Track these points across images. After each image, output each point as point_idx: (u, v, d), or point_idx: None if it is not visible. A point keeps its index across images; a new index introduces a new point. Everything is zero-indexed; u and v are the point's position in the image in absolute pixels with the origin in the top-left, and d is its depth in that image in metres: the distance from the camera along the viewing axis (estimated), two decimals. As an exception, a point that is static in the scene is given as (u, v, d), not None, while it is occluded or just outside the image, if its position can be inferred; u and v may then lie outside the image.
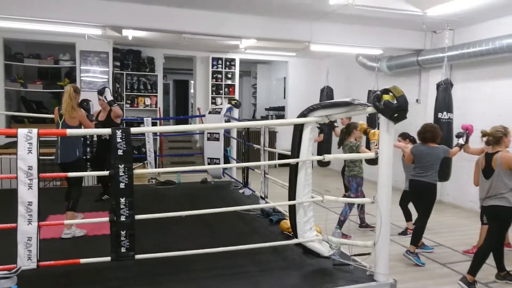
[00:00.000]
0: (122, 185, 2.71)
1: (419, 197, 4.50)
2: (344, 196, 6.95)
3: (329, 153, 8.14)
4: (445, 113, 6.26)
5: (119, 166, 2.68)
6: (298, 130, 3.21)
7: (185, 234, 4.09)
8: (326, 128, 7.91)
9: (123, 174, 2.70)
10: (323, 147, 8.41)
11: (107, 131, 2.81)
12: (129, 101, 9.81)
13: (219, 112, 6.54)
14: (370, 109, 3.09)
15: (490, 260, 3.92)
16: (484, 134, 3.82)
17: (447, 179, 6.30)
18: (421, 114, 7.57)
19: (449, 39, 6.60)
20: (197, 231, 4.25)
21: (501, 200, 3.60)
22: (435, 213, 6.40)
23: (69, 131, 3.24)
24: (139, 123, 8.00)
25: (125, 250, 2.77)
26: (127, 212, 2.74)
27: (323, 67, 10.21)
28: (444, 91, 6.30)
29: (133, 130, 2.79)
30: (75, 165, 3.97)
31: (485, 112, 6.51)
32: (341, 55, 9.75)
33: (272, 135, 10.77)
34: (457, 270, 4.16)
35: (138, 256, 2.88)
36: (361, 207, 5.53)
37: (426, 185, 4.38)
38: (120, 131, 2.69)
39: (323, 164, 8.68)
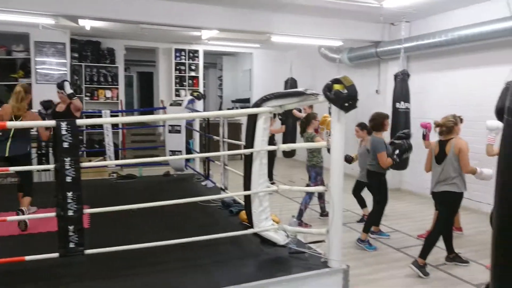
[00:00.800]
0: (68, 179, 2.63)
1: (372, 186, 4.59)
2: (307, 185, 7.07)
3: (294, 143, 8.25)
4: (402, 103, 6.45)
5: (65, 159, 2.60)
6: (252, 120, 3.21)
7: (144, 228, 4.03)
8: (289, 119, 7.99)
9: (70, 167, 2.62)
10: (288, 138, 8.50)
11: (51, 123, 2.72)
12: (88, 94, 9.52)
13: (180, 104, 6.46)
14: (322, 98, 3.13)
15: (440, 243, 4.09)
16: (437, 125, 3.95)
17: (405, 167, 6.50)
18: (380, 105, 7.73)
19: (406, 31, 6.77)
20: (157, 224, 4.20)
21: (451, 186, 3.75)
22: (394, 200, 6.61)
23: (9, 124, 3.12)
24: (100, 116, 7.78)
25: (74, 246, 2.70)
26: (75, 206, 2.67)
27: (287, 59, 10.28)
28: (401, 81, 6.48)
29: (80, 122, 2.71)
30: (26, 158, 3.87)
31: (441, 102, 6.73)
32: (304, 47, 9.82)
33: (237, 126, 10.76)
34: (410, 254, 4.31)
35: (88, 251, 2.81)
36: (320, 196, 5.63)
37: (372, 175, 4.49)
38: (65, 123, 2.60)
39: (288, 154, 8.76)
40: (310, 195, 5.31)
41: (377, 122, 4.42)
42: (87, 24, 7.16)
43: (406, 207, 6.32)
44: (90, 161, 7.62)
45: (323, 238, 3.30)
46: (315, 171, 5.31)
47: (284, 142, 8.52)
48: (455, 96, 6.48)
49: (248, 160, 3.25)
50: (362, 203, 5.61)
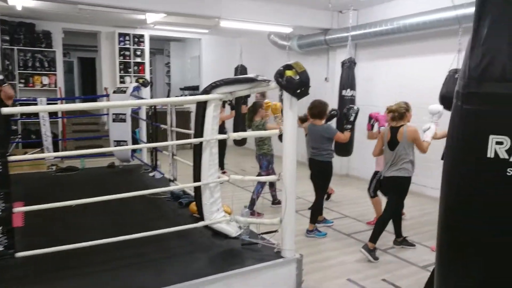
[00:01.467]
0: (-6, 175, 2.34)
1: (314, 175, 4.59)
2: (259, 173, 7.03)
3: (245, 131, 8.15)
4: (348, 90, 6.53)
5: (-11, 152, 2.31)
6: (201, 108, 3.05)
7: (87, 225, 3.76)
8: (240, 106, 7.87)
9: (-5, 162, 2.33)
10: (239, 126, 8.37)
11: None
12: (23, 81, 8.79)
13: (124, 91, 6.11)
14: (273, 85, 3.04)
15: (389, 227, 4.20)
16: (389, 110, 4.01)
17: (349, 154, 6.63)
18: (329, 92, 7.84)
19: (353, 19, 6.85)
20: (101, 220, 3.94)
21: (401, 171, 3.83)
22: (342, 186, 6.77)
23: None
24: (35, 104, 7.20)
25: (2, 249, 2.43)
26: (3, 205, 2.39)
27: (237, 46, 10.08)
28: (348, 69, 6.55)
29: (7, 110, 2.41)
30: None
31: (386, 90, 6.92)
32: (254, 34, 9.69)
33: (186, 115, 10.48)
34: (360, 239, 4.39)
35: (21, 254, 2.55)
36: (272, 185, 5.60)
37: (318, 164, 4.48)
38: (-12, 112, 2.30)
39: (239, 143, 8.66)
40: (262, 184, 5.25)
41: (320, 110, 4.39)
42: (17, 3, 6.54)
43: (354, 193, 6.46)
44: (25, 153, 7.07)
45: (276, 228, 3.25)
46: (267, 159, 5.25)
47: (236, 130, 8.39)
48: (400, 83, 6.68)
49: (197, 150, 3.10)
50: None
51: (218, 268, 2.97)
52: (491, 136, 1.56)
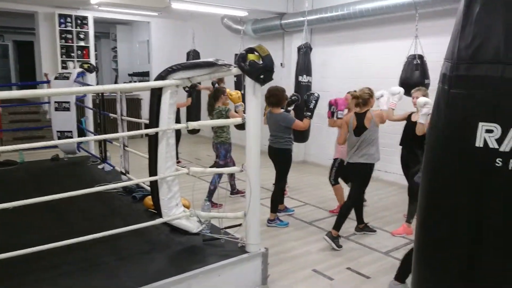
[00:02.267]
0: None
1: (274, 163, 4.46)
2: (215, 162, 6.81)
3: (199, 119, 7.85)
4: (304, 76, 6.44)
5: None
6: (156, 95, 2.78)
7: (27, 225, 3.40)
8: (194, 93, 7.55)
9: None
10: (192, 113, 8.07)
11: None
12: None
13: (68, 78, 5.63)
14: (235, 70, 2.84)
15: (350, 214, 4.17)
16: (353, 96, 3.92)
17: (306, 140, 6.58)
18: (285, 78, 7.71)
19: (309, 3, 6.73)
20: (44, 220, 3.59)
21: (367, 157, 3.79)
22: (300, 173, 6.72)
23: None
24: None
25: None
26: None
27: (188, 30, 9.66)
28: (304, 55, 6.45)
29: None
30: None
31: (342, 75, 6.91)
32: (207, 17, 9.33)
33: (136, 102, 9.99)
34: (322, 227, 4.34)
35: None
36: (231, 174, 5.40)
37: (276, 152, 4.35)
38: None
39: (192, 131, 8.35)
40: (220, 174, 5.05)
41: (278, 97, 4.23)
42: None
43: (312, 180, 6.43)
44: (-46, 146, 6.37)
45: (240, 221, 3.09)
46: (225, 148, 5.05)
47: (189, 118, 8.07)
48: (356, 69, 6.68)
49: (153, 141, 2.84)
50: None
51: (178, 268, 2.77)
52: (480, 124, 1.46)
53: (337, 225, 3.79)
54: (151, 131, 2.81)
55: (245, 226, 2.99)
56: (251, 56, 2.74)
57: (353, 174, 3.99)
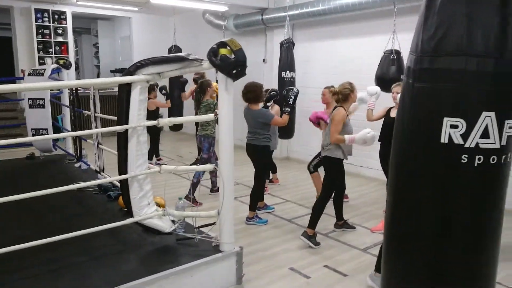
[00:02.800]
0: None
1: (252, 160, 4.39)
2: (197, 159, 6.72)
3: (182, 115, 7.75)
4: (288, 72, 6.39)
5: None
6: (125, 91, 2.70)
7: (1, 225, 3.30)
8: (175, 91, 7.44)
9: None
10: (174, 111, 7.95)
11: None
12: None
13: (42, 74, 5.46)
14: (207, 65, 2.76)
15: (329, 210, 4.14)
16: (334, 93, 3.87)
17: (291, 136, 6.55)
18: (267, 73, 7.66)
19: (291, -2, 6.68)
20: (17, 220, 3.48)
21: (329, 151, 3.77)
22: (283, 169, 6.66)
23: None
24: None
25: None
26: None
27: (170, 25, 9.52)
28: (287, 50, 6.40)
29: None
30: None
31: (324, 71, 6.87)
32: (188, 12, 9.22)
33: (113, 99, 9.79)
34: (301, 224, 4.30)
35: None
36: (211, 170, 5.31)
37: (254, 149, 4.28)
38: None
39: (175, 128, 8.25)
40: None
41: (256, 94, 4.15)
42: None
43: (295, 176, 6.39)
44: None
45: (213, 220, 3.02)
46: (208, 141, 4.98)
47: (171, 114, 7.96)
48: (338, 64, 6.65)
49: (122, 139, 2.75)
50: (273, 168, 5.63)
51: (150, 268, 2.69)
52: (445, 119, 1.41)
53: (312, 223, 3.75)
54: (120, 128, 2.72)
55: (219, 224, 2.93)
56: (222, 51, 2.67)
57: (324, 168, 3.97)
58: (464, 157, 1.41)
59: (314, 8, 6.26)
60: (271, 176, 5.89)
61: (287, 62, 6.43)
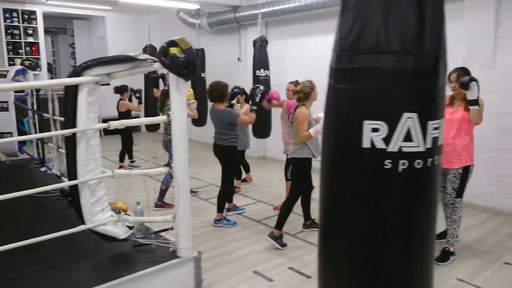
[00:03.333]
0: None
1: (219, 161, 4.30)
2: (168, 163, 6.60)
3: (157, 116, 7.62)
4: (262, 70, 6.31)
5: None
6: (72, 93, 2.58)
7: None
8: (150, 91, 7.32)
9: None
10: (150, 111, 7.83)
11: None
12: None
13: (5, 76, 5.29)
14: (157, 65, 2.67)
15: (298, 209, 4.08)
16: (294, 92, 3.81)
17: (267, 136, 6.47)
18: (242, 72, 7.58)
19: (263, -4, 6.60)
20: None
21: (293, 153, 3.71)
22: (258, 169, 6.60)
23: None
24: None
25: None
26: None
27: (145, 25, 9.37)
28: (260, 48, 6.31)
29: None
30: None
31: (297, 69, 6.81)
32: (163, 11, 9.08)
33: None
34: (270, 225, 4.22)
35: None
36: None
37: (221, 149, 4.20)
38: None
39: (151, 128, 8.12)
40: (169, 174, 4.89)
41: (220, 93, 4.07)
42: None
43: (269, 176, 6.33)
44: None
45: (169, 225, 2.93)
46: None
47: (147, 114, 7.82)
48: (312, 63, 6.60)
49: (70, 143, 2.64)
50: (246, 167, 5.56)
51: (103, 276, 2.59)
52: (365, 122, 1.31)
53: (279, 224, 3.68)
54: (67, 132, 2.61)
55: (176, 229, 2.84)
56: (172, 50, 2.58)
57: (292, 169, 3.92)
58: (388, 162, 1.32)
59: (286, 5, 6.20)
60: (244, 175, 5.82)
61: (260, 60, 6.34)
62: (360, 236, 1.45)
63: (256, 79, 6.38)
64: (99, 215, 2.79)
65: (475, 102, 3.04)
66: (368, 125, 1.31)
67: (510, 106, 4.48)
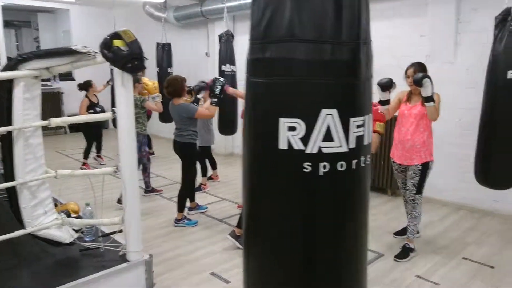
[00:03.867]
0: None
1: (183, 159, 4.17)
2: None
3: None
4: (228, 65, 6.18)
5: None
6: (5, 88, 2.40)
7: None
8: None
9: None
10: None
11: None
12: None
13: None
14: (100, 58, 2.51)
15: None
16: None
17: (234, 132, 6.36)
18: (211, 67, 7.44)
19: (229, -11, 6.46)
20: None
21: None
22: (226, 166, 6.49)
23: None
24: None
25: None
26: None
27: (111, 19, 9.08)
28: (226, 43, 6.18)
29: None
30: None
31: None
32: (130, 5, 8.81)
33: (56, 96, 9.31)
34: (233, 223, 4.13)
35: None
36: (144, 170, 5.05)
37: (179, 146, 4.09)
38: None
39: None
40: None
41: (176, 87, 3.94)
42: None
43: (236, 173, 6.19)
44: None
45: (119, 227, 2.79)
46: (139, 140, 4.70)
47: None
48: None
49: (6, 142, 2.46)
50: (203, 171, 5.35)
51: (43, 284, 2.44)
52: (281, 120, 1.17)
53: (240, 222, 3.59)
54: (3, 130, 2.42)
55: (125, 232, 2.70)
56: (116, 42, 2.41)
57: None
58: (307, 165, 1.18)
59: (252, -1, 6.07)
60: (210, 172, 5.70)
61: (226, 55, 6.22)
62: (283, 250, 1.31)
63: (222, 74, 6.25)
64: (41, 219, 2.62)
65: (430, 98, 3.01)
66: (284, 123, 1.17)
67: (471, 101, 4.50)
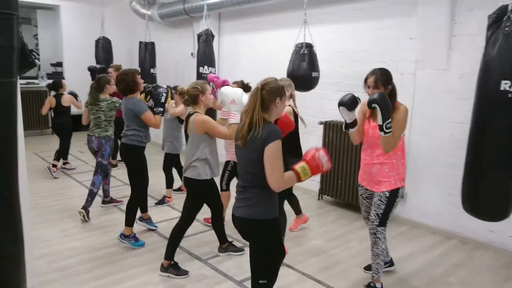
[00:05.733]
0: None
1: (129, 165, 3.65)
2: (98, 163, 5.98)
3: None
4: (206, 67, 5.73)
5: None
6: None
7: None
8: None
9: None
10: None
11: None
12: None
13: None
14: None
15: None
16: (181, 92, 3.21)
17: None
18: (196, 69, 6.96)
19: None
20: None
21: (192, 171, 3.10)
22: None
23: None
24: None
25: None
26: None
27: (100, 16, 8.76)
28: (205, 43, 5.73)
29: None
30: None
31: (250, 67, 6.23)
32: (118, 2, 8.47)
33: (43, 96, 9.04)
34: (185, 247, 3.64)
35: None
36: (105, 176, 4.60)
37: (124, 149, 3.63)
38: None
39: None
40: (102, 174, 4.36)
41: (127, 82, 3.44)
42: None
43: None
44: None
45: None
46: (110, 145, 4.34)
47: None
48: (259, 58, 6.06)
49: None
50: (169, 182, 4.86)
51: None
52: None
53: (168, 254, 3.12)
54: None
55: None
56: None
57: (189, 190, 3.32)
58: None
59: (233, -4, 5.60)
60: (181, 184, 5.19)
61: (205, 56, 5.77)
62: None
63: (200, 77, 5.79)
64: None
65: (381, 128, 2.45)
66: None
67: (465, 114, 3.91)
